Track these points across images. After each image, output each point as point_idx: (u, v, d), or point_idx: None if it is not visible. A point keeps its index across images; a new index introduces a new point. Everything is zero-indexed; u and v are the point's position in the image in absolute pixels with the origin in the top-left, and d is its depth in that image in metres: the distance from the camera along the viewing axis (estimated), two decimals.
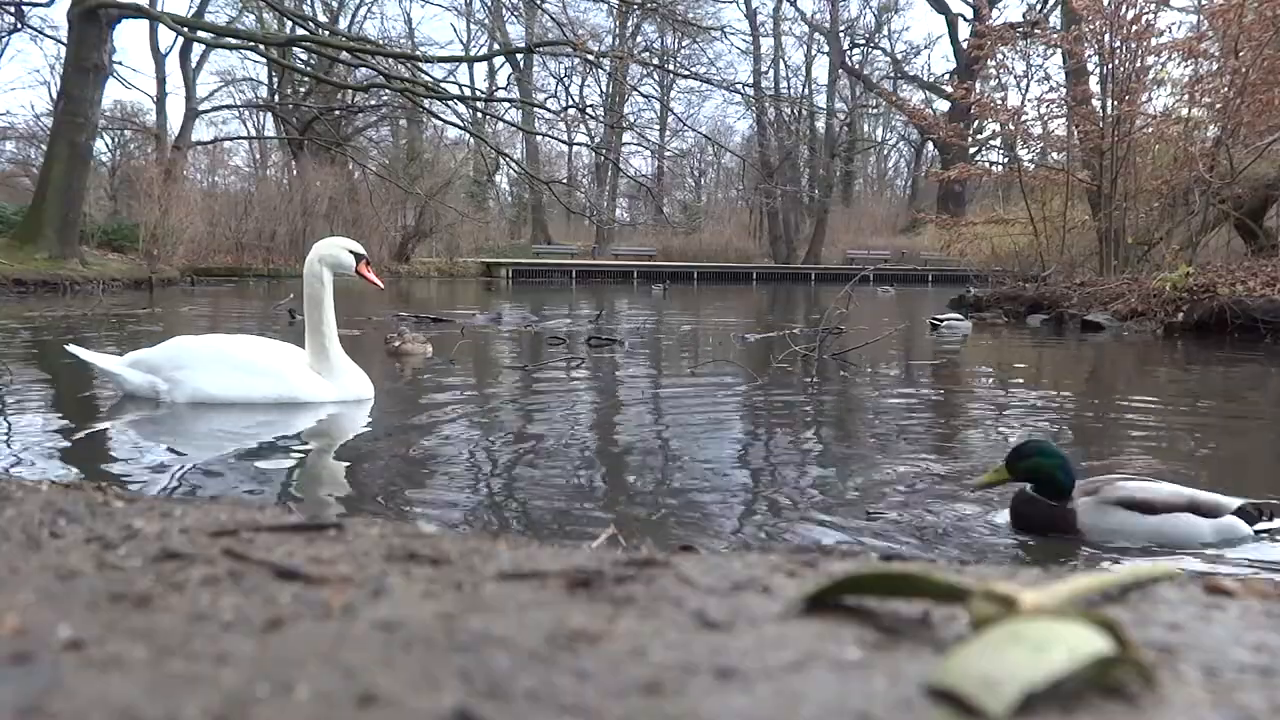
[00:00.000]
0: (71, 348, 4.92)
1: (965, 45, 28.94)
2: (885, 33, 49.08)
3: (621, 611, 0.67)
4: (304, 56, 31.82)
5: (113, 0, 20.17)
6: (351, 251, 4.91)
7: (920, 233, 37.84)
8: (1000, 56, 17.59)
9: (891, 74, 48.95)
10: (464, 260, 35.65)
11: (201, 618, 0.64)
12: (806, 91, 49.27)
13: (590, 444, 3.99)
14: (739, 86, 38.56)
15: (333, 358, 4.77)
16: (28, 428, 3.98)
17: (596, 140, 38.89)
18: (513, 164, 33.89)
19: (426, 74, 27.19)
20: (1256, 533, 2.56)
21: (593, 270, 35.85)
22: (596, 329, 9.89)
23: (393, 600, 0.69)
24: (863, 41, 48.70)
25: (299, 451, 3.81)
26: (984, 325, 11.99)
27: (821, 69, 48.74)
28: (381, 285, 5.31)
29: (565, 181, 43.20)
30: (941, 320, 11.02)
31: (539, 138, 36.82)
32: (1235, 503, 2.57)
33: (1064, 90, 16.80)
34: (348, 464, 3.66)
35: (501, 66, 45.91)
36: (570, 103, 37.33)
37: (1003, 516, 2.71)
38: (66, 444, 3.75)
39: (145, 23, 25.89)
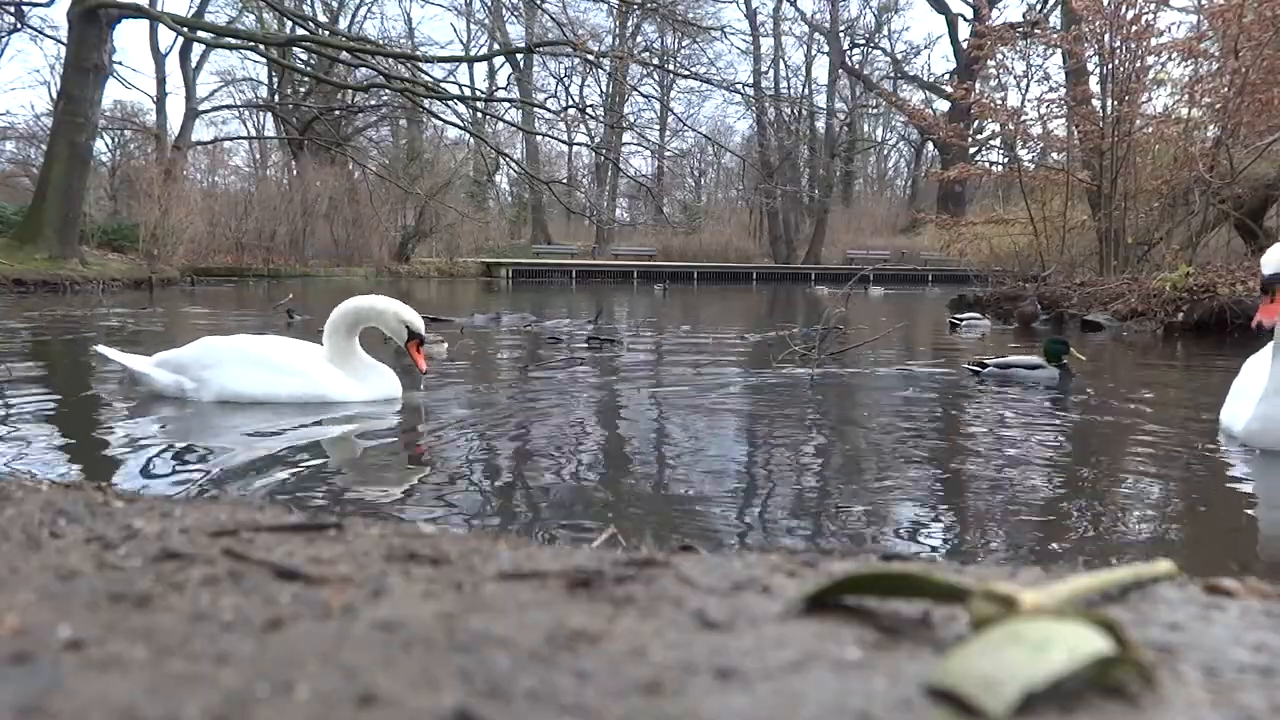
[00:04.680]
0: (100, 348, 4.97)
1: (965, 45, 28.92)
2: (885, 33, 49.20)
3: (621, 611, 0.67)
4: (304, 56, 31.84)
5: (113, 0, 20.18)
6: (412, 328, 4.87)
7: (920, 233, 37.84)
8: (1000, 56, 17.58)
9: (891, 74, 48.98)
10: (464, 260, 35.69)
11: (201, 618, 0.64)
12: (806, 91, 49.33)
13: (590, 444, 3.99)
14: (739, 86, 38.66)
15: (356, 359, 4.82)
16: (29, 427, 3.98)
17: (596, 140, 38.93)
18: (513, 164, 33.91)
19: (426, 74, 27.24)
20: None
21: (593, 270, 35.86)
22: (596, 329, 9.89)
23: (393, 600, 0.69)
24: (863, 41, 48.76)
25: (308, 451, 3.80)
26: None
27: (821, 69, 48.81)
28: (425, 369, 5.04)
29: (565, 181, 43.23)
30: (961, 320, 11.41)
31: (539, 138, 36.87)
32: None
33: (1064, 90, 16.80)
34: (352, 464, 3.66)
35: (501, 66, 45.99)
36: (570, 103, 37.35)
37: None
38: (70, 444, 3.75)
39: (145, 23, 25.91)
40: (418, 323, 4.91)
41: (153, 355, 4.83)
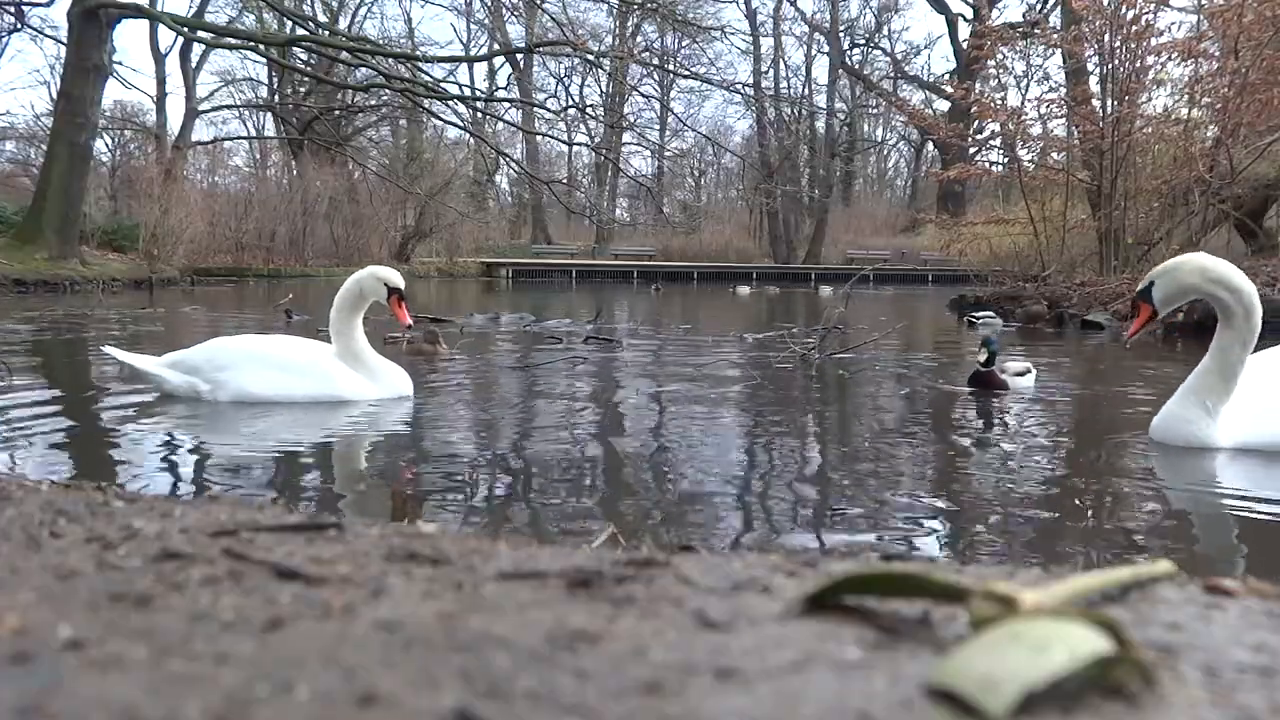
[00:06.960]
0: (108, 348, 4.97)
1: (965, 45, 28.91)
2: (885, 33, 49.20)
3: (621, 611, 0.67)
4: (304, 56, 31.84)
5: (113, 0, 20.18)
6: (389, 283, 4.96)
7: (920, 233, 37.82)
8: (1000, 56, 17.58)
9: (891, 74, 48.97)
10: (464, 260, 35.69)
11: (201, 618, 0.64)
12: (806, 91, 49.28)
13: (589, 444, 3.99)
14: (739, 86, 38.51)
15: (367, 357, 4.85)
16: (29, 427, 3.98)
17: (596, 140, 38.92)
18: (513, 164, 33.95)
19: (426, 74, 27.23)
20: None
21: (592, 270, 35.87)
22: (595, 329, 9.89)
23: (393, 600, 0.69)
24: (863, 41, 48.76)
25: (311, 451, 3.81)
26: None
27: (821, 69, 48.76)
28: (410, 323, 5.30)
29: (565, 181, 43.21)
30: (979, 318, 11.66)
31: (539, 138, 36.84)
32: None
33: (1064, 90, 16.79)
34: (354, 464, 3.66)
35: (501, 66, 45.95)
36: (570, 103, 37.40)
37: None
38: (70, 444, 3.74)
39: (145, 23, 25.90)
40: (394, 278, 5.02)
41: (162, 356, 4.82)
